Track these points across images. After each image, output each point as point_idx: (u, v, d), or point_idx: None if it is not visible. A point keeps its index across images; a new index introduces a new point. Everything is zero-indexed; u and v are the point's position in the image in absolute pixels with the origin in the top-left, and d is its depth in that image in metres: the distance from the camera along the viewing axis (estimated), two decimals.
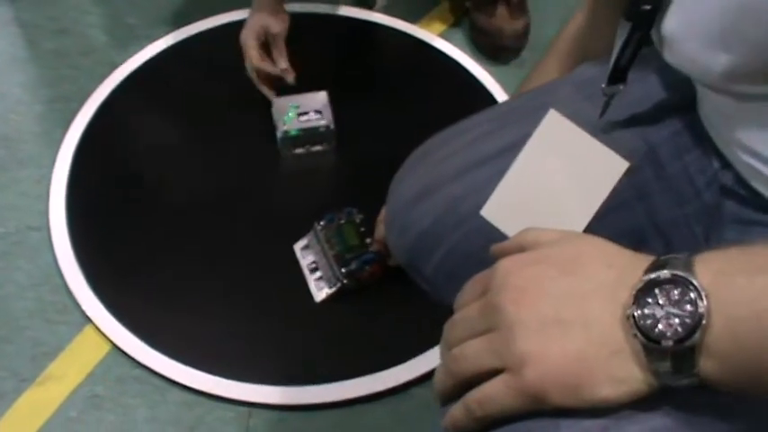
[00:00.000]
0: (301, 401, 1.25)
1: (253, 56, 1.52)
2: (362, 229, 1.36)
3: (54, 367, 1.29)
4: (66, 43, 1.82)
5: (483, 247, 0.63)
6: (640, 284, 0.49)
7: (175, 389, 1.26)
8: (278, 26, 1.52)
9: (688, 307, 0.47)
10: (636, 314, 0.49)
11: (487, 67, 1.77)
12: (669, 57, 0.69)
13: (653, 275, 0.49)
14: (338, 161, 1.57)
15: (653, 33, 0.70)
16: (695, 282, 0.47)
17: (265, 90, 1.56)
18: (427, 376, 1.27)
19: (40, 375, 1.28)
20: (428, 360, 1.28)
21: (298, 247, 1.41)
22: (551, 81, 0.93)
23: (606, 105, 0.76)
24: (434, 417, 1.17)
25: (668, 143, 0.78)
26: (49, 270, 1.39)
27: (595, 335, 0.51)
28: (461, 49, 1.81)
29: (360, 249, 1.34)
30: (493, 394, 0.53)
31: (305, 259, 1.39)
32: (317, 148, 1.56)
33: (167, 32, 1.82)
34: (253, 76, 1.55)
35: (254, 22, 1.53)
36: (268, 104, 1.56)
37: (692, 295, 0.47)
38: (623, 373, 0.50)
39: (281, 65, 1.52)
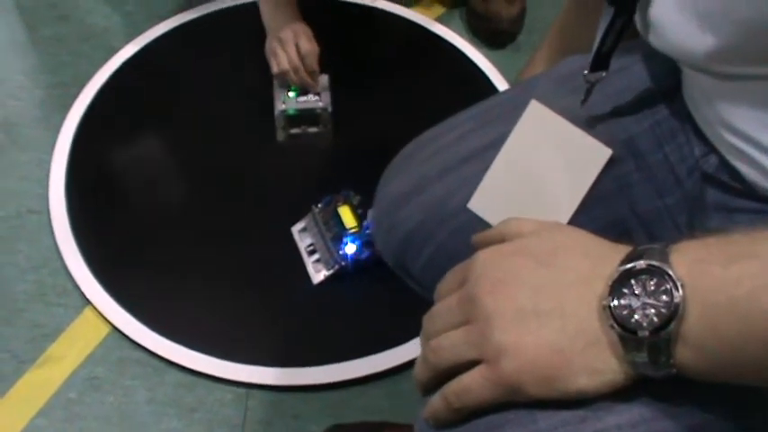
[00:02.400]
0: (299, 382, 1.26)
1: (293, 54, 1.51)
2: (360, 212, 1.37)
3: (54, 349, 1.30)
4: (65, 29, 1.82)
5: (471, 245, 0.63)
6: (616, 275, 0.50)
7: (174, 370, 1.27)
8: (310, 45, 1.52)
9: (664, 297, 0.47)
10: (612, 305, 0.49)
11: (484, 51, 1.78)
12: (655, 41, 0.69)
13: (629, 266, 0.50)
14: (335, 144, 1.58)
15: (638, 19, 0.70)
16: (670, 272, 0.48)
17: (309, 80, 1.54)
18: None
19: (40, 357, 1.29)
20: None
21: (295, 229, 1.41)
22: (533, 76, 0.93)
23: (588, 93, 0.76)
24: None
25: (648, 133, 0.78)
26: (49, 253, 1.40)
27: (572, 326, 0.51)
28: (459, 33, 1.82)
29: (357, 231, 1.35)
30: (470, 385, 0.53)
31: (303, 242, 1.40)
32: (314, 129, 1.57)
33: (165, 18, 1.82)
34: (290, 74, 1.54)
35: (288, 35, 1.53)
36: (265, 90, 1.57)
37: (668, 285, 0.48)
38: (600, 364, 0.50)
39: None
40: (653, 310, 0.48)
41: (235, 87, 1.67)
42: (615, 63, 0.74)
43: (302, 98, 1.55)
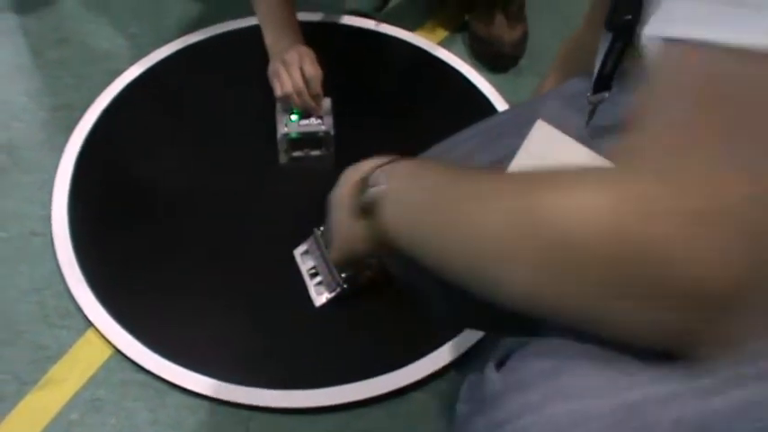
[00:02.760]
0: (301, 405, 1.26)
1: (297, 77, 1.51)
2: None
3: (55, 371, 1.30)
4: (69, 52, 1.84)
5: None
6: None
7: (177, 392, 1.27)
8: (315, 68, 1.52)
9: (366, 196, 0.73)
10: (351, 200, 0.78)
11: (486, 75, 1.79)
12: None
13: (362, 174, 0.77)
14: (338, 167, 1.57)
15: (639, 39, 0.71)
16: (380, 177, 0.73)
17: (312, 103, 1.55)
18: (425, 381, 1.29)
19: (42, 379, 1.29)
20: (426, 365, 1.29)
21: (297, 252, 1.41)
22: (539, 96, 0.94)
23: (592, 113, 0.78)
24: (432, 421, 1.19)
25: None
26: (51, 275, 1.41)
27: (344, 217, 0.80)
28: (461, 57, 1.83)
29: None
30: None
31: (305, 264, 1.40)
32: (316, 152, 1.58)
33: (169, 42, 1.84)
34: (294, 96, 1.53)
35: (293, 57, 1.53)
36: (268, 112, 1.58)
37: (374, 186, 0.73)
38: (355, 231, 0.76)
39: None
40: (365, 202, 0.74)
41: (237, 110, 1.68)
42: (620, 81, 0.75)
43: (305, 121, 1.56)
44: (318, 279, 1.37)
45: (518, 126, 0.80)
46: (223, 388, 1.26)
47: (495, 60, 1.82)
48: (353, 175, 0.81)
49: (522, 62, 1.83)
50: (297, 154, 1.58)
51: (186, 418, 1.25)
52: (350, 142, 1.58)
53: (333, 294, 1.35)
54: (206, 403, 1.26)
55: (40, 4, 1.95)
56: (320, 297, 1.36)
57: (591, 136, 0.78)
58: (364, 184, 0.74)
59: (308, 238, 1.41)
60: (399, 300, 1.35)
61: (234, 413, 1.26)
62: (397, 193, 0.69)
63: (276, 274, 1.40)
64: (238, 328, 1.35)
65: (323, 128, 1.55)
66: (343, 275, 1.33)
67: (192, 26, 1.89)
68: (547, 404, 0.52)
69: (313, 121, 1.55)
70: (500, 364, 0.58)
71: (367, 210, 0.72)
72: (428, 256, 0.63)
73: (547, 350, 0.55)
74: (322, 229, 1.39)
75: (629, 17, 0.70)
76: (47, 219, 1.48)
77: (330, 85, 1.55)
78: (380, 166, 0.74)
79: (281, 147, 1.56)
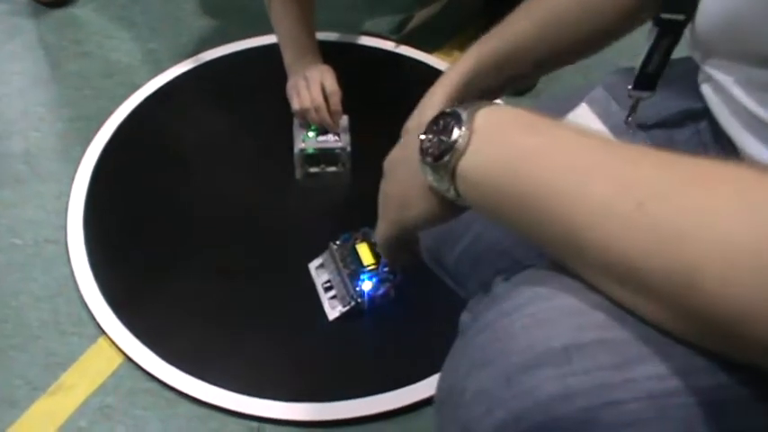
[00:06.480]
0: (312, 418, 1.25)
1: (317, 92, 1.52)
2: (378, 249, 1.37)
3: (66, 377, 1.29)
4: (88, 65, 1.85)
5: (504, 236, 0.64)
6: (432, 117, 0.59)
7: (187, 402, 1.26)
8: (335, 86, 1.54)
9: (450, 135, 0.56)
10: (421, 138, 0.59)
11: (503, 98, 1.79)
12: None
13: (444, 110, 0.58)
14: (353, 183, 1.59)
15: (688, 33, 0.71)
16: (463, 116, 0.56)
17: (329, 120, 1.55)
18: None
19: (53, 385, 1.28)
20: None
21: (312, 265, 1.41)
22: (585, 85, 0.93)
23: (633, 108, 0.77)
24: None
25: (689, 142, 0.79)
26: (65, 282, 1.41)
27: (413, 169, 0.62)
28: None
29: (375, 269, 1.35)
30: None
31: (319, 278, 1.40)
32: (332, 168, 1.58)
33: (187, 57, 1.85)
34: (312, 112, 1.54)
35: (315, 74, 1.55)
36: (285, 128, 1.58)
37: (455, 126, 0.56)
38: (420, 192, 0.62)
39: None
40: (439, 143, 0.57)
41: (255, 126, 1.69)
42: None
43: (322, 138, 1.56)
44: (333, 293, 1.38)
45: (561, 109, 0.81)
46: (234, 399, 1.25)
47: None
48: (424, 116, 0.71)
49: (540, 85, 1.84)
50: (313, 170, 1.58)
51: (196, 428, 1.24)
52: (366, 160, 1.58)
53: (347, 308, 1.36)
54: (216, 413, 1.25)
55: (60, 18, 1.97)
56: (334, 311, 1.36)
57: (630, 125, 0.78)
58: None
59: (324, 252, 1.41)
60: (413, 315, 1.35)
61: (245, 424, 1.24)
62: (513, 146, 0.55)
63: (290, 287, 1.41)
64: (251, 340, 1.34)
65: (340, 144, 1.55)
66: (357, 289, 1.34)
67: (209, 43, 1.91)
68: (556, 296, 0.52)
69: (330, 137, 1.56)
70: (507, 279, 0.59)
71: (438, 174, 0.58)
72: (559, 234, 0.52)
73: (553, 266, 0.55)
74: (338, 242, 1.40)
75: (682, 17, 0.71)
76: (61, 227, 1.49)
77: (348, 104, 1.56)
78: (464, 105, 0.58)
79: (298, 162, 1.57)
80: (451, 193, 0.58)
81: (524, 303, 0.53)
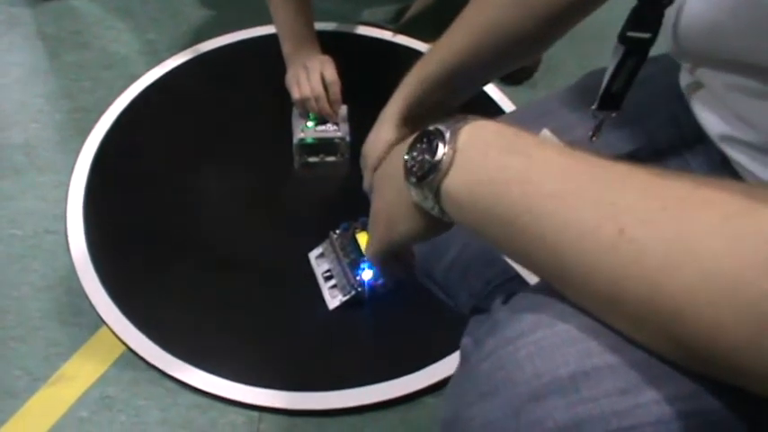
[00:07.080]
0: (312, 407, 1.25)
1: (316, 82, 1.53)
2: None
3: (67, 368, 1.29)
4: (87, 56, 1.85)
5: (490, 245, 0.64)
6: (416, 135, 0.59)
7: (188, 392, 1.27)
8: (336, 76, 1.54)
9: (433, 154, 0.56)
10: (405, 157, 0.60)
11: (501, 87, 1.80)
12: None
13: (428, 128, 0.58)
14: (353, 172, 1.58)
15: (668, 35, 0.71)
16: (447, 135, 0.55)
17: (329, 109, 1.56)
18: (439, 385, 1.27)
19: (53, 375, 1.28)
20: (440, 369, 1.29)
21: (312, 255, 1.42)
22: (550, 96, 0.93)
23: (597, 128, 0.77)
24: None
25: (670, 140, 0.79)
26: (65, 273, 1.41)
27: (399, 186, 0.62)
28: None
29: None
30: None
31: (319, 267, 1.40)
32: (332, 158, 1.59)
33: (186, 48, 1.85)
34: (312, 102, 1.55)
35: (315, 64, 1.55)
36: (284, 118, 1.58)
37: (440, 145, 0.55)
38: (407, 211, 0.62)
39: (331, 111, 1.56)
40: (423, 162, 0.57)
41: (253, 116, 1.69)
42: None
43: (321, 127, 1.56)
44: (333, 282, 1.38)
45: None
46: (234, 388, 1.26)
47: (510, 73, 1.82)
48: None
49: (537, 75, 1.83)
50: (312, 159, 1.59)
51: (196, 417, 1.24)
52: None
53: (347, 297, 1.36)
54: (216, 403, 1.25)
55: (59, 8, 1.97)
56: (334, 300, 1.36)
57: (613, 123, 0.78)
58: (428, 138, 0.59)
59: (324, 241, 1.42)
60: (413, 303, 1.35)
61: (245, 414, 1.25)
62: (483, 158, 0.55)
63: (290, 276, 1.41)
64: (251, 329, 1.34)
65: (339, 134, 1.55)
66: (357, 278, 1.34)
67: (208, 34, 1.91)
68: (558, 322, 0.52)
69: (329, 127, 1.56)
70: (506, 302, 0.58)
71: (423, 193, 0.58)
72: (537, 252, 0.52)
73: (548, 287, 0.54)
74: (338, 231, 1.40)
75: (648, 36, 0.70)
76: (61, 217, 1.49)
77: (347, 94, 1.56)
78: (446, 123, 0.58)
79: (297, 152, 1.57)
80: (436, 211, 0.58)
81: (527, 331, 0.53)
